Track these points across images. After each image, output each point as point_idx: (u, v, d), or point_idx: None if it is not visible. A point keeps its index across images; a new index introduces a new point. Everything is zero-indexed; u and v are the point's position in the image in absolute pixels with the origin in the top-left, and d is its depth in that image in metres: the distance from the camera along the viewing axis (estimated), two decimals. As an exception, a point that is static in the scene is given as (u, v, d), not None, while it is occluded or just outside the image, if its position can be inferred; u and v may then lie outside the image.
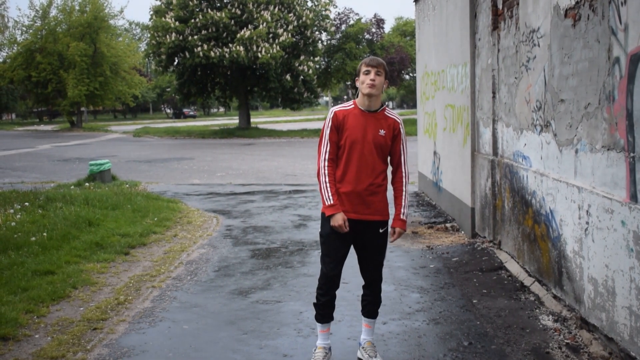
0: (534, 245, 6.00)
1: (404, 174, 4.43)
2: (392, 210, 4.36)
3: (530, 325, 5.07)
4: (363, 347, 4.48)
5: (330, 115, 4.34)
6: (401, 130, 4.39)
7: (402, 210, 4.39)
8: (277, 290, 6.22)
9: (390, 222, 4.43)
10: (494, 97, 7.30)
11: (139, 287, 6.40)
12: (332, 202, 4.23)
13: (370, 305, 4.50)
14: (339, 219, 4.19)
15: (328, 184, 4.26)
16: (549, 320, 5.15)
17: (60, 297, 5.97)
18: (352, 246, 4.43)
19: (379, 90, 4.24)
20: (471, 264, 7.00)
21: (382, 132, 4.28)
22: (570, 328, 4.91)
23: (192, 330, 5.16)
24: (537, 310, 5.40)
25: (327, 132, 4.32)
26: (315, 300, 4.44)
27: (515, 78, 6.51)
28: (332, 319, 4.48)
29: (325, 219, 4.31)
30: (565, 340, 4.71)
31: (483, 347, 4.65)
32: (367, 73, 4.23)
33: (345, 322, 5.21)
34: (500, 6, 7.07)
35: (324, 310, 4.41)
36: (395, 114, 4.42)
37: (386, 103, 4.53)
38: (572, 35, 4.97)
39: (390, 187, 4.41)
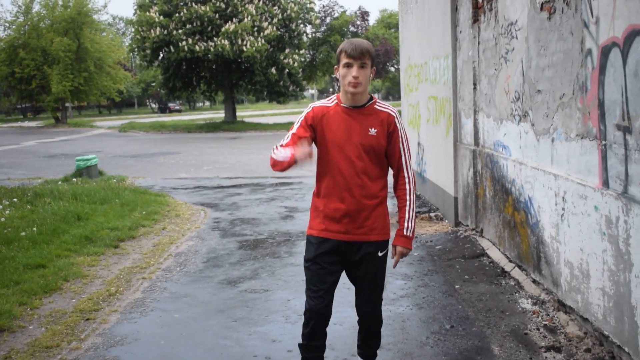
0: (514, 232, 6.18)
1: (407, 180, 3.57)
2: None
3: (510, 309, 5.25)
4: None
5: (307, 110, 3.56)
6: (397, 125, 3.52)
7: (406, 224, 3.56)
8: (265, 280, 6.36)
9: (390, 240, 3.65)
10: (474, 88, 7.46)
11: (129, 278, 6.52)
12: (289, 147, 3.32)
13: (367, 347, 3.82)
14: (303, 148, 3.26)
15: (278, 147, 3.36)
16: (527, 303, 5.34)
17: (53, 290, 6.09)
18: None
19: (364, 87, 3.41)
20: (454, 251, 7.18)
21: (372, 130, 3.45)
22: (548, 310, 5.10)
23: (183, 319, 5.29)
24: (517, 294, 5.58)
25: (296, 126, 3.51)
26: (301, 341, 3.65)
27: (495, 69, 6.68)
28: None
29: (310, 243, 3.58)
30: (543, 322, 4.90)
31: (464, 330, 4.83)
32: (349, 66, 3.36)
33: (331, 309, 5.35)
34: (479, -1, 7.23)
35: (312, 354, 3.61)
36: (388, 105, 3.59)
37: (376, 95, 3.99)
38: (547, 28, 5.14)
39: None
